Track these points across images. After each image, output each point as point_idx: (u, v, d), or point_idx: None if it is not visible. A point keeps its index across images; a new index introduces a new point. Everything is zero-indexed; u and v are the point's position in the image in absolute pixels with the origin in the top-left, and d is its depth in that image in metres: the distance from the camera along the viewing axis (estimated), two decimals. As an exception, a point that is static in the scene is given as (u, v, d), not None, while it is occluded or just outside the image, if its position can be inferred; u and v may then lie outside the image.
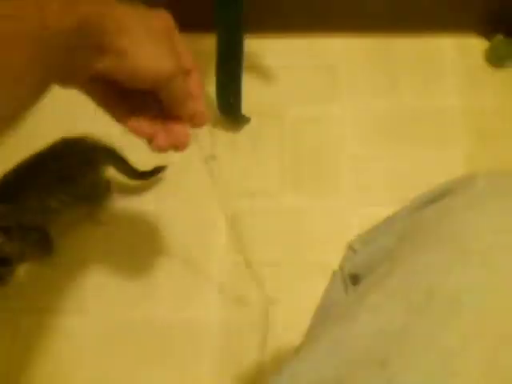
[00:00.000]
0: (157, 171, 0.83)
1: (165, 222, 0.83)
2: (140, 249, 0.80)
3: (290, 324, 0.73)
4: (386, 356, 0.26)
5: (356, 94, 0.93)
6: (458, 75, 0.94)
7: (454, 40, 0.96)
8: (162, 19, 0.39)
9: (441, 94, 0.92)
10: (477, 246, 0.28)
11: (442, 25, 0.96)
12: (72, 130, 0.74)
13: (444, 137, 0.89)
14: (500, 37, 0.92)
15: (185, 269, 0.79)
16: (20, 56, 0.31)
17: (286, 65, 0.95)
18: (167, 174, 0.85)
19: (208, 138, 0.88)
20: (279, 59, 0.95)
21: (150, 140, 0.42)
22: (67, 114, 0.88)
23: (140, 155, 0.80)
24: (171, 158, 0.82)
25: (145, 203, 0.84)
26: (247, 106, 0.86)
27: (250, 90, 0.87)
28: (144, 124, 0.42)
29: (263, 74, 0.94)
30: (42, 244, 0.77)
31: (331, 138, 0.89)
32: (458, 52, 0.96)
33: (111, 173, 0.80)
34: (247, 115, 0.87)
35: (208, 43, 0.75)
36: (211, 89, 0.82)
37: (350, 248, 0.38)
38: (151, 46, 0.36)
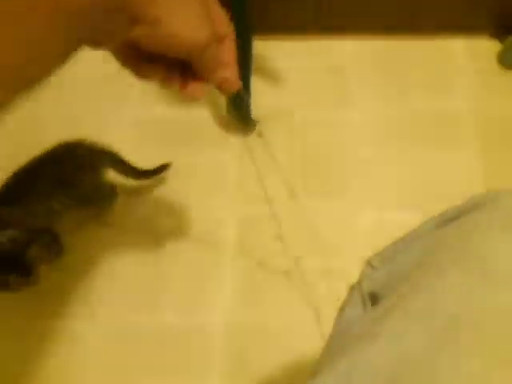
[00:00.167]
0: (160, 170, 0.83)
1: (172, 224, 0.83)
2: (147, 251, 0.80)
3: (302, 331, 0.73)
4: (408, 382, 0.26)
5: (367, 97, 0.92)
6: (471, 77, 0.93)
7: (467, 42, 0.95)
8: None
9: (453, 97, 0.92)
10: (503, 268, 0.28)
11: (454, 27, 0.95)
12: (71, 135, 0.75)
13: (456, 140, 0.88)
14: (512, 39, 0.91)
15: (194, 272, 0.79)
16: (45, 20, 0.29)
17: (295, 67, 0.94)
18: (171, 176, 0.85)
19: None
20: (289, 61, 0.95)
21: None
22: (67, 118, 0.89)
23: (140, 156, 0.80)
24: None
25: (151, 205, 0.84)
26: (257, 108, 0.85)
27: (260, 93, 0.87)
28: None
29: (273, 76, 0.93)
30: (53, 246, 0.77)
31: (341, 141, 0.89)
32: (471, 54, 0.95)
33: (117, 175, 0.80)
34: (256, 118, 0.87)
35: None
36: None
37: (369, 264, 0.38)
38: (186, 14, 0.34)
